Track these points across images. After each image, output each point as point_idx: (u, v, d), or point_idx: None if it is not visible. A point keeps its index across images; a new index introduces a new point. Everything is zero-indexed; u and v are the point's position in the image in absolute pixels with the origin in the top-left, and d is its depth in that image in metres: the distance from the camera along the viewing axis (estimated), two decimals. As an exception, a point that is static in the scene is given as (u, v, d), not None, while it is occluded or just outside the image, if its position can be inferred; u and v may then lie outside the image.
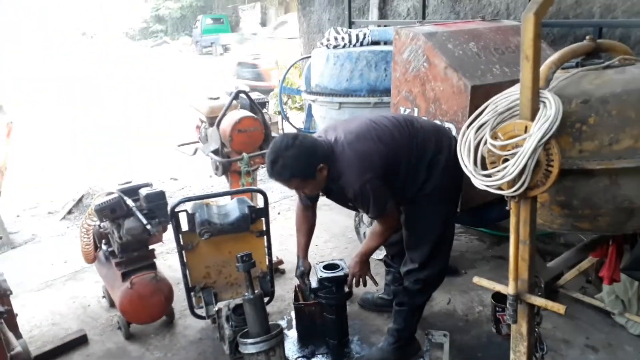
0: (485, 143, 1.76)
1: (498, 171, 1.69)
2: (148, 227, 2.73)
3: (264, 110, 3.56)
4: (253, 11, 29.77)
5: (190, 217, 2.75)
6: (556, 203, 1.90)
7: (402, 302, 2.69)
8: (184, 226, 2.85)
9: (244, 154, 3.23)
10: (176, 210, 2.69)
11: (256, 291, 2.42)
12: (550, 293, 3.13)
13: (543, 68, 1.81)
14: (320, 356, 2.87)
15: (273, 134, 3.58)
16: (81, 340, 3.09)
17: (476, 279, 2.03)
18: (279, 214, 5.20)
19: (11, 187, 5.87)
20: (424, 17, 4.87)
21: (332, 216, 4.99)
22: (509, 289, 1.87)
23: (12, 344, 2.52)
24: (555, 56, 1.82)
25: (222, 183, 6.01)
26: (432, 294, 3.36)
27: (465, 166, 1.81)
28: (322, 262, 2.90)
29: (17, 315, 2.89)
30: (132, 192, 2.85)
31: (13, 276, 4.16)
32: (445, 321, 3.09)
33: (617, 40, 3.59)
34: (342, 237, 4.45)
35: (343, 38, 3.95)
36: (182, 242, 2.83)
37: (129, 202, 2.76)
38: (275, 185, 6.29)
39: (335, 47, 3.98)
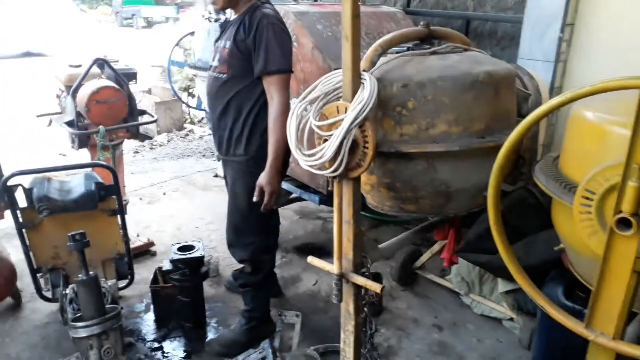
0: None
1: (318, 151, 1.68)
2: (-24, 201, 2.48)
3: (132, 82, 3.35)
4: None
5: (28, 193, 2.52)
6: (383, 185, 1.93)
7: (244, 284, 2.67)
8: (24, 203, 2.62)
9: (101, 127, 3.01)
10: (9, 184, 2.46)
11: (91, 272, 2.27)
12: (410, 274, 3.25)
13: (370, 50, 1.82)
14: (173, 339, 2.78)
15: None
16: None
17: (310, 259, 2.03)
18: (164, 194, 4.98)
19: None
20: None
21: (223, 197, 4.85)
22: (334, 268, 1.89)
23: None
24: (383, 39, 1.83)
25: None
26: (300, 275, 3.41)
27: (292, 144, 1.77)
28: (178, 243, 2.80)
29: None
30: (-39, 163, 2.57)
31: None
32: (307, 302, 3.11)
33: (487, 33, 3.77)
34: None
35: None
36: (20, 220, 2.60)
37: (-45, 173, 2.49)
38: (166, 165, 6.04)
39: (216, 20, 3.84)
